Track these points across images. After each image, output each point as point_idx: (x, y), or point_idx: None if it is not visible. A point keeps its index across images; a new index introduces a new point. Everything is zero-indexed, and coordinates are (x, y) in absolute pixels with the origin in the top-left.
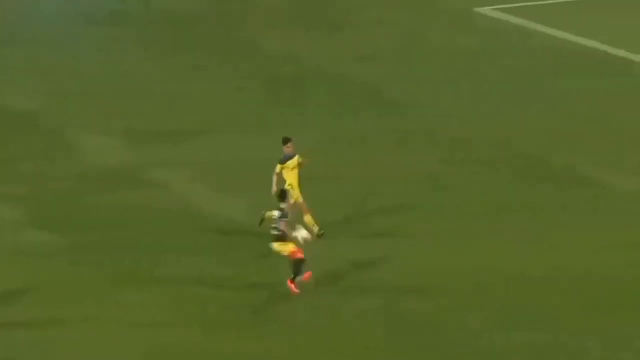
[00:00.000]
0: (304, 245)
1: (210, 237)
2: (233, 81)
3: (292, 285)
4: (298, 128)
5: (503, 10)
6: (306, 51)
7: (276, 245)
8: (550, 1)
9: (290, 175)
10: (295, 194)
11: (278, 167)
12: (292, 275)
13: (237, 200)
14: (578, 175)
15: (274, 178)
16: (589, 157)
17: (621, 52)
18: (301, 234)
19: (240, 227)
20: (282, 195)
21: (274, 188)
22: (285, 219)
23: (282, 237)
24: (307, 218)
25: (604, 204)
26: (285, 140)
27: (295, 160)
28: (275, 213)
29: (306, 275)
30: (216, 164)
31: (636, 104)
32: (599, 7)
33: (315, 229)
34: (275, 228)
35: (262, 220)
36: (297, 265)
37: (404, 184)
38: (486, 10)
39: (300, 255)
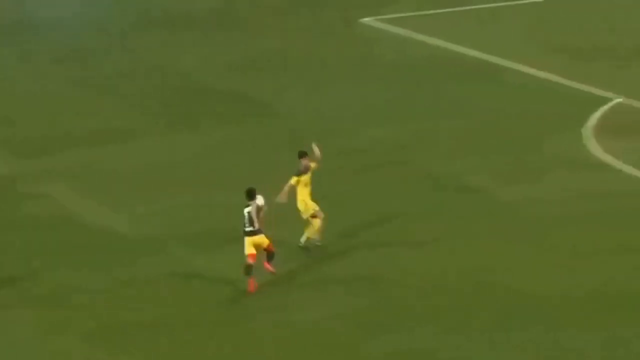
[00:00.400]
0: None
1: (93, 250)
2: (116, 92)
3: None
4: (179, 136)
5: (385, 20)
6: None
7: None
8: (429, 12)
9: (303, 191)
10: (308, 210)
11: (294, 179)
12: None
13: (120, 213)
14: (464, 182)
15: (286, 188)
16: (470, 164)
17: (494, 59)
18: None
19: (124, 240)
20: (250, 194)
21: (283, 198)
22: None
23: (255, 233)
24: (316, 224)
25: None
26: (302, 154)
27: (308, 176)
28: (246, 210)
29: (252, 285)
30: (98, 175)
31: (508, 110)
32: (474, 16)
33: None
34: (246, 225)
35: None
36: (247, 269)
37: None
38: (369, 20)
39: (251, 260)
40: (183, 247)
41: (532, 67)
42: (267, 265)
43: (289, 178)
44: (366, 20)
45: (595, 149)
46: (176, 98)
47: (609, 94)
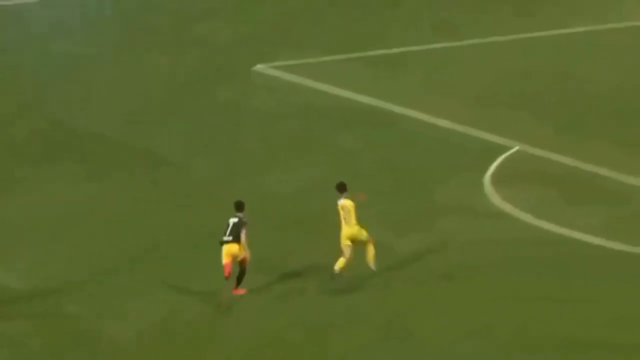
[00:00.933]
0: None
1: None
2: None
3: (240, 291)
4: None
5: (279, 67)
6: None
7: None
8: (324, 59)
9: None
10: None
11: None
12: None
13: (12, 264)
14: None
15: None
16: (367, 214)
17: (390, 106)
18: None
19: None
20: (239, 206)
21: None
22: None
23: (232, 242)
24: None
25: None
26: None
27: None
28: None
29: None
30: None
31: (405, 158)
32: (371, 63)
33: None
34: (226, 234)
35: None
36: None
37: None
38: (263, 68)
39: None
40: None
41: (430, 114)
42: (237, 292)
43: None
44: (260, 67)
45: (494, 197)
46: (63, 144)
47: (507, 142)
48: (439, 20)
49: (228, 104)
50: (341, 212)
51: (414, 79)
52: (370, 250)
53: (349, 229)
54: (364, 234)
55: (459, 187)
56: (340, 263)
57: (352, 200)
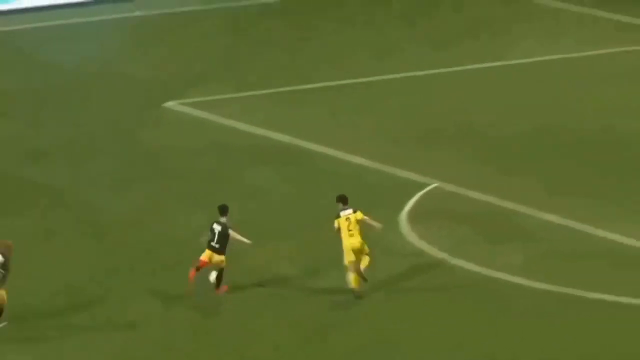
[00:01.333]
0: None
1: None
2: None
3: (222, 289)
4: None
5: (190, 104)
6: None
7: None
8: (235, 95)
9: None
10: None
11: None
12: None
13: None
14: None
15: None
16: (273, 254)
17: (303, 143)
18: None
19: None
20: (223, 210)
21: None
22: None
23: (218, 252)
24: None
25: None
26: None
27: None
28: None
29: (224, 288)
30: None
31: (319, 194)
32: (285, 99)
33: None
34: (213, 241)
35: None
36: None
37: None
38: (173, 104)
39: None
40: None
41: (343, 151)
42: (221, 291)
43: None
44: (170, 104)
45: (410, 236)
46: None
47: (424, 179)
48: (351, 58)
49: (137, 141)
50: (345, 224)
51: (325, 115)
52: (366, 260)
53: (353, 240)
54: (366, 247)
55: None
56: (353, 282)
57: (362, 215)
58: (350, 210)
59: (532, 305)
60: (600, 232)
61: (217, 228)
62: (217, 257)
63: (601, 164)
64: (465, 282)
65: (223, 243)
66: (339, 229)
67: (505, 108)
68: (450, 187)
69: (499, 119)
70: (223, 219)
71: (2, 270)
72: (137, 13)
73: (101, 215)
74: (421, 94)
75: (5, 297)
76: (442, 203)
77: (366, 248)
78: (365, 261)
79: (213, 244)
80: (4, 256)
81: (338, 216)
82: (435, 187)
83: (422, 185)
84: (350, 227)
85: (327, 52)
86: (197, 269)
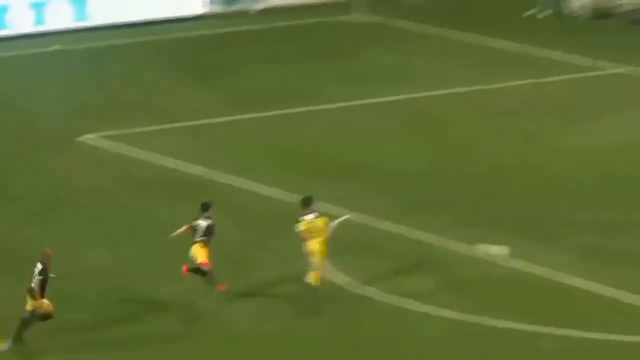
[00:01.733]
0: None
1: None
2: None
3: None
4: None
5: (107, 137)
6: None
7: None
8: (150, 128)
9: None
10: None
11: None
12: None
13: None
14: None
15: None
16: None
17: (222, 177)
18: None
19: None
20: (205, 207)
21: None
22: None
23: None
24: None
25: None
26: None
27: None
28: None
29: (222, 286)
30: None
31: (228, 228)
32: (194, 133)
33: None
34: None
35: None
36: (209, 276)
37: None
38: (90, 138)
39: (208, 266)
40: None
41: (260, 183)
42: (222, 287)
43: None
44: (87, 137)
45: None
46: None
47: (337, 209)
48: (270, 89)
49: (49, 175)
50: (309, 227)
51: (238, 148)
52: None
53: (317, 245)
54: (323, 257)
55: (282, 256)
56: (313, 277)
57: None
58: (313, 215)
59: (441, 334)
60: (513, 262)
61: (204, 223)
62: (206, 248)
63: (505, 194)
64: (372, 313)
65: (209, 235)
66: (304, 231)
67: (418, 140)
68: (361, 219)
69: (410, 152)
70: (207, 214)
71: (40, 276)
72: (57, 47)
73: (15, 250)
74: (334, 125)
75: (50, 305)
76: (352, 234)
77: (323, 257)
78: (314, 274)
79: (200, 238)
80: (42, 264)
81: (302, 220)
82: (348, 219)
83: (333, 217)
84: (313, 231)
85: (246, 85)
86: (197, 269)
